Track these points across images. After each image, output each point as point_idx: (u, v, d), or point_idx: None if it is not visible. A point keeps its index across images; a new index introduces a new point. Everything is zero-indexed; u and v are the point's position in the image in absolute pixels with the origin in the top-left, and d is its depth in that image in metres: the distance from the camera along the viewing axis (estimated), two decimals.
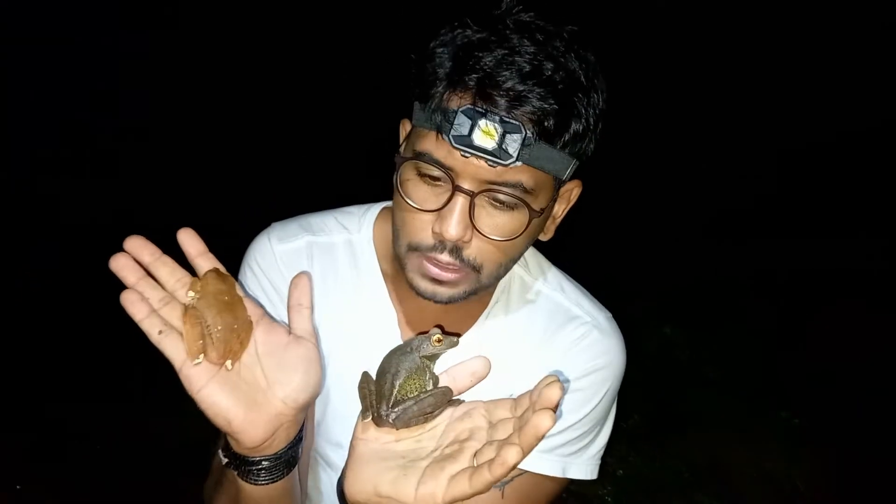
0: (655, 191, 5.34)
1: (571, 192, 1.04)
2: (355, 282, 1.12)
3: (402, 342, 0.89)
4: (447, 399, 0.78)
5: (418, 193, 0.93)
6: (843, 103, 6.22)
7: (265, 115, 5.71)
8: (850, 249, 4.94)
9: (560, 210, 1.04)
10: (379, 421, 0.77)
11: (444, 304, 0.98)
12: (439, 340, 0.79)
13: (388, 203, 1.18)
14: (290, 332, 0.85)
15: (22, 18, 6.25)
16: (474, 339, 1.11)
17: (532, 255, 1.16)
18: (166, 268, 0.80)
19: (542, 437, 0.63)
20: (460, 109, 0.86)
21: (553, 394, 0.64)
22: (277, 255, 1.11)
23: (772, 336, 4.07)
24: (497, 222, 0.92)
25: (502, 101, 0.85)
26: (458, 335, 0.84)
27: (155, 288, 0.79)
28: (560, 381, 0.66)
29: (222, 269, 0.82)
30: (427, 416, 0.77)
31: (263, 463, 0.86)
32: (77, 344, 3.38)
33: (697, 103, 6.04)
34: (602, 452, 1.14)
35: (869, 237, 5.13)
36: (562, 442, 1.07)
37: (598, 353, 1.09)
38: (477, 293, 0.99)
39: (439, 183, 0.91)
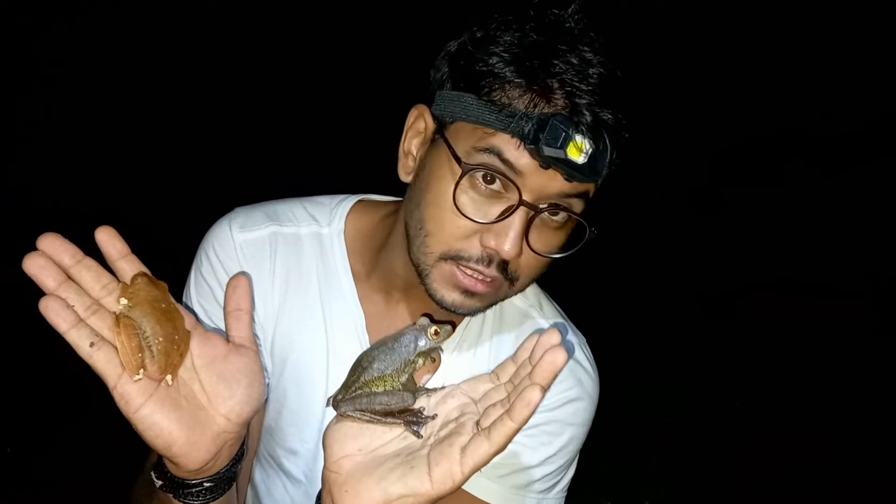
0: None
1: None
2: (321, 279, 1.02)
3: (369, 346, 0.83)
4: (404, 405, 0.72)
5: (470, 200, 0.85)
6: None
7: (250, 110, 5.56)
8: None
9: None
10: (333, 404, 0.75)
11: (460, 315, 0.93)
12: (437, 333, 0.75)
13: (365, 196, 1.08)
14: (227, 341, 0.76)
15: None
16: (447, 359, 1.03)
17: None
18: (90, 272, 0.70)
19: (558, 370, 0.63)
20: (554, 118, 0.79)
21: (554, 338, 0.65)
22: (238, 244, 1.00)
23: (717, 324, 4.18)
24: (549, 238, 0.88)
25: (588, 116, 0.80)
26: (451, 323, 0.77)
27: (80, 293, 0.69)
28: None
29: (149, 273, 0.72)
30: (375, 416, 0.72)
31: (205, 484, 0.78)
32: None
33: (698, 103, 6.14)
34: (568, 485, 1.09)
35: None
36: (536, 477, 1.01)
37: (574, 383, 1.03)
38: (494, 304, 0.94)
39: (497, 190, 0.84)
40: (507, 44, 0.83)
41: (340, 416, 0.74)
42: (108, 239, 0.71)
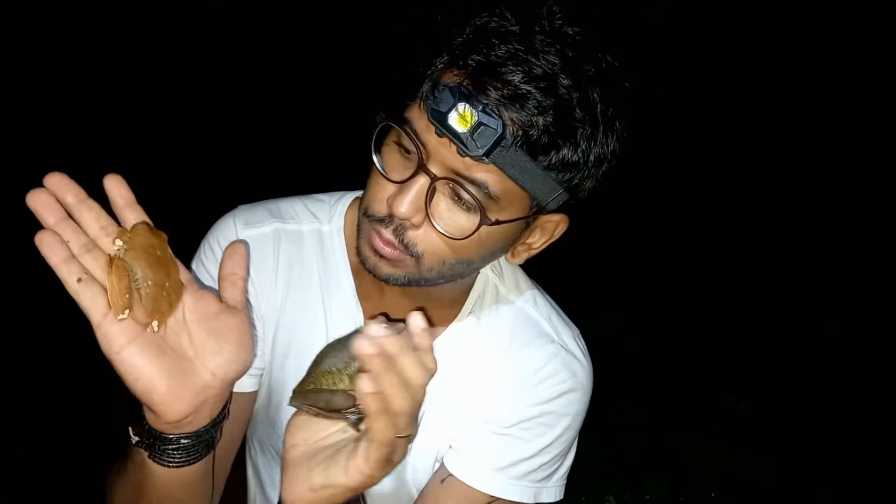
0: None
1: (556, 225, 0.96)
2: (322, 275, 1.06)
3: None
4: (347, 401, 0.74)
5: (390, 161, 0.89)
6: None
7: (251, 108, 5.53)
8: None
9: (538, 241, 0.98)
10: (291, 396, 0.79)
11: (385, 284, 0.95)
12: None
13: (361, 192, 1.10)
14: (220, 301, 0.76)
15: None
16: (439, 349, 1.04)
17: (510, 269, 1.12)
18: (91, 212, 0.70)
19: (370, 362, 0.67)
20: (447, 84, 0.81)
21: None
22: (242, 239, 1.00)
23: (721, 321, 4.16)
24: (451, 217, 0.87)
25: (493, 94, 0.80)
26: (403, 321, 0.77)
27: (77, 232, 0.69)
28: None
29: (150, 223, 0.73)
30: (320, 410, 0.75)
31: (182, 441, 0.77)
32: None
33: (700, 103, 6.12)
34: (568, 472, 1.12)
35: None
36: (534, 467, 1.05)
37: (568, 376, 1.06)
38: (420, 285, 0.94)
39: (410, 157, 0.87)
40: (472, 29, 0.86)
41: (295, 408, 0.79)
42: (115, 186, 0.72)
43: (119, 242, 0.70)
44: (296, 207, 1.09)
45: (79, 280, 0.67)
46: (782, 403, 3.48)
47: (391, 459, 0.71)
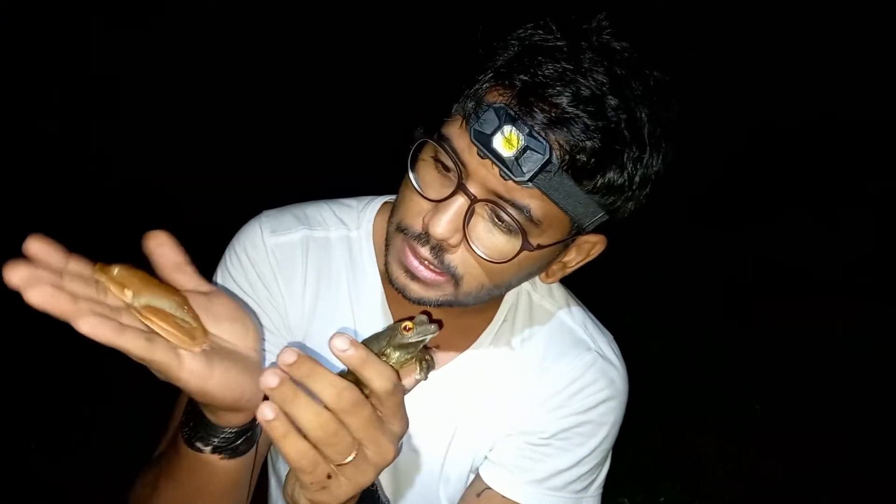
0: None
1: (593, 245, 0.94)
2: (350, 283, 1.03)
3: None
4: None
5: (427, 177, 0.87)
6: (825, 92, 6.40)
7: (263, 109, 5.54)
8: (817, 236, 5.06)
9: (574, 260, 0.96)
10: None
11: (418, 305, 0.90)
12: (408, 329, 0.70)
13: (389, 197, 1.08)
14: (200, 293, 0.70)
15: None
16: (473, 358, 1.04)
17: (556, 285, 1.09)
18: (85, 271, 0.61)
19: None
20: (492, 105, 0.78)
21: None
22: (269, 247, 1.01)
23: (735, 324, 4.15)
24: (490, 239, 0.85)
25: (540, 116, 0.77)
26: (439, 322, 0.74)
27: (98, 300, 0.61)
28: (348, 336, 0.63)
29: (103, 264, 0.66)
30: None
31: (247, 427, 0.75)
32: None
33: (701, 102, 6.07)
34: (604, 481, 1.10)
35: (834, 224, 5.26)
36: (573, 478, 1.03)
37: (606, 384, 1.04)
38: (452, 306, 0.91)
39: (449, 175, 0.84)
40: (518, 43, 0.83)
41: None
42: (162, 247, 0.67)
43: (128, 292, 0.64)
44: (323, 213, 1.06)
45: (147, 340, 0.60)
46: (797, 405, 3.47)
47: (327, 487, 0.66)
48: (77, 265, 0.61)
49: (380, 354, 0.70)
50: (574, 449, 1.02)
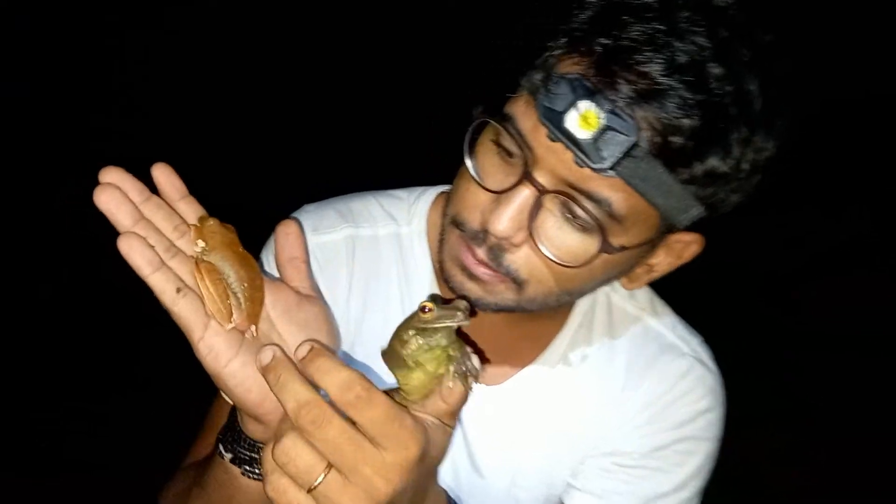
0: None
1: (687, 246, 0.79)
2: (401, 284, 0.93)
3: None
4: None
5: (487, 164, 0.74)
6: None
7: (275, 102, 5.46)
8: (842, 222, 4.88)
9: (663, 263, 0.81)
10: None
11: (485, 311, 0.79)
12: (426, 310, 0.57)
13: (445, 187, 0.97)
14: (297, 292, 0.69)
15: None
16: (543, 371, 0.92)
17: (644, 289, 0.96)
18: (161, 211, 0.63)
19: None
20: (565, 76, 0.65)
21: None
22: (311, 246, 0.91)
23: (777, 313, 4.00)
24: (561, 238, 0.71)
25: (625, 88, 0.63)
26: (472, 308, 0.62)
27: (158, 233, 0.62)
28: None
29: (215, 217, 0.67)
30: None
31: None
32: None
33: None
34: None
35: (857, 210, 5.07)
36: None
37: (704, 392, 0.91)
38: (514, 312, 0.79)
39: (513, 162, 0.72)
40: (595, 4, 0.70)
41: None
42: (166, 177, 0.65)
43: (201, 243, 0.63)
44: (370, 207, 0.95)
45: (178, 291, 0.60)
46: (850, 392, 3.32)
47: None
48: (162, 201, 0.64)
49: (402, 341, 0.59)
50: (673, 469, 0.89)
